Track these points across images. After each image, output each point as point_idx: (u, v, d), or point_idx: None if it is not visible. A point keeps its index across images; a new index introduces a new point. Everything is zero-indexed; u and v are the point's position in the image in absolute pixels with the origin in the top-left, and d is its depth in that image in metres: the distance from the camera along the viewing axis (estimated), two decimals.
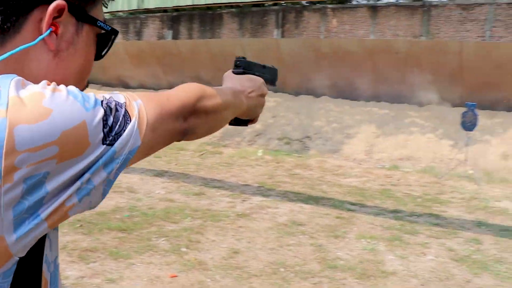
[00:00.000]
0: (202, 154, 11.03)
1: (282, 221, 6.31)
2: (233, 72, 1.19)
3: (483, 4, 12.66)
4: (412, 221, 6.51)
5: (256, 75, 1.22)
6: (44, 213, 0.66)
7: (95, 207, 0.74)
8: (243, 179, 8.85)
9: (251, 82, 1.17)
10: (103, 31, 0.82)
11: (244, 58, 1.22)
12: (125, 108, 0.71)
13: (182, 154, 11.02)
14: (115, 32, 0.84)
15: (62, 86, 0.68)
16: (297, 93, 14.20)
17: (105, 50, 0.86)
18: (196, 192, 7.62)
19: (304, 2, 14.97)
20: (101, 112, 0.68)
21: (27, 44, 0.72)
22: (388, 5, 13.92)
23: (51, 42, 0.75)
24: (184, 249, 5.20)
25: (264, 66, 1.29)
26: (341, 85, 13.73)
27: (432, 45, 12.64)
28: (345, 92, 13.77)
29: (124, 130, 0.70)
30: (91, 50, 0.82)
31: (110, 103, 0.70)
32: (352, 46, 13.31)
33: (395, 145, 11.59)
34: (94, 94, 0.70)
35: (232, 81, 1.16)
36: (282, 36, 15.16)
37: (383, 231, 6.05)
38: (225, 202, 7.15)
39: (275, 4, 15.02)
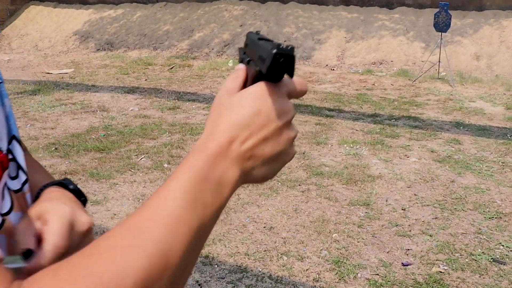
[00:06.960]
0: (171, 68, 10.65)
1: None
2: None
3: None
4: (391, 125, 6.51)
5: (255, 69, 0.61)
6: None
7: None
8: (217, 90, 8.63)
9: (260, 116, 0.57)
10: None
11: (258, 32, 0.68)
12: None
13: (151, 69, 10.62)
14: None
15: None
16: (264, 0, 13.65)
17: None
18: (170, 107, 7.40)
19: None
20: None
21: None
22: None
23: None
24: (166, 165, 5.08)
25: (276, 45, 0.56)
26: None
27: None
28: None
29: None
30: None
31: None
32: None
33: (367, 50, 11.42)
34: None
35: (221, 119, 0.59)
36: None
37: (365, 135, 6.04)
38: (202, 115, 6.97)
39: None
